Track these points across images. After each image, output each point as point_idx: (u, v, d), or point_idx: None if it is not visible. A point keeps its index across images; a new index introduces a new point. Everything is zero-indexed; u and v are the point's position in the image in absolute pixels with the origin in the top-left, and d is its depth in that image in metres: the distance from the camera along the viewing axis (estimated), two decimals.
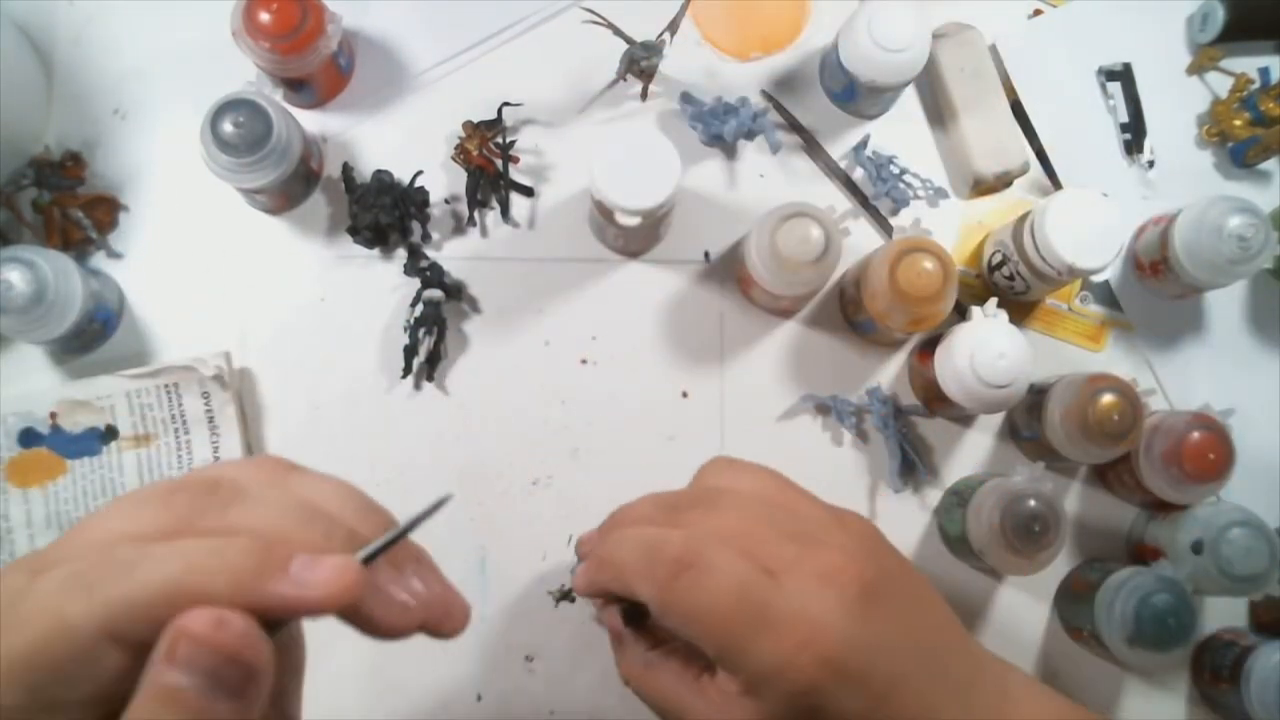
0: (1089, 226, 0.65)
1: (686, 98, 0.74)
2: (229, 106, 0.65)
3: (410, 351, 0.70)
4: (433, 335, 0.70)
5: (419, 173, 0.71)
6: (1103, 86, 0.76)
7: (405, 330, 0.70)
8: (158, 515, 0.31)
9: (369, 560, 0.32)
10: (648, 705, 0.45)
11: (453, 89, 0.74)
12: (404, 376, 0.71)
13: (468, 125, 0.72)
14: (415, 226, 0.72)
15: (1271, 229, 0.67)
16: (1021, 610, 0.71)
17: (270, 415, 0.70)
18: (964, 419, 0.73)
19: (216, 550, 0.29)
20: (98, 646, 0.28)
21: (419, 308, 0.70)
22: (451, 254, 0.72)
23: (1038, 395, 0.68)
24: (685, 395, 0.72)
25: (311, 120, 0.73)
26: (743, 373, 0.72)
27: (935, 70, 0.74)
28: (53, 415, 0.67)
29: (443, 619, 0.34)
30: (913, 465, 0.71)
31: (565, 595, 0.68)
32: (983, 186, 0.74)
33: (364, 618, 0.32)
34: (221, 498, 0.32)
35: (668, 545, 0.41)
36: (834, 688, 0.38)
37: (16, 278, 0.62)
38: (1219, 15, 0.73)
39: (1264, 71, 0.76)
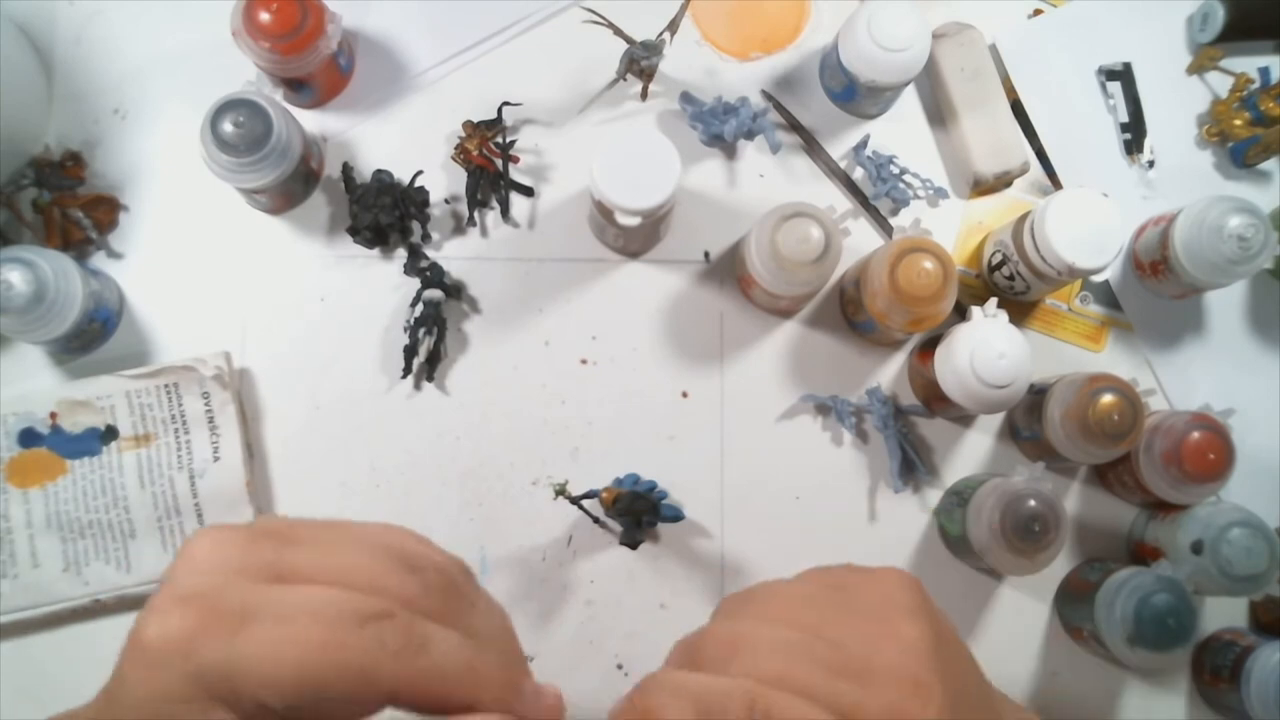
0: (1089, 226, 0.65)
1: (686, 98, 0.74)
2: (229, 106, 0.65)
3: (410, 351, 0.70)
4: (433, 335, 0.70)
5: (419, 173, 0.71)
6: (1103, 86, 0.76)
7: (405, 330, 0.70)
8: (410, 578, 0.33)
9: None
10: None
11: (453, 89, 0.74)
12: (404, 376, 0.71)
13: (468, 125, 0.72)
14: (415, 226, 0.72)
15: (1271, 229, 0.67)
16: (1021, 610, 0.71)
17: (270, 415, 0.70)
18: (964, 419, 0.73)
19: (485, 656, 0.33)
20: (378, 700, 0.30)
21: (419, 308, 0.70)
22: (451, 254, 0.72)
23: (1038, 395, 0.68)
24: (685, 395, 0.72)
25: (311, 120, 0.73)
26: (743, 373, 0.72)
27: (935, 70, 0.74)
28: (53, 415, 0.67)
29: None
30: (913, 465, 0.71)
31: (562, 492, 0.68)
32: (983, 186, 0.74)
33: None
34: (463, 602, 0.34)
35: (729, 699, 0.34)
36: None
37: (16, 278, 0.62)
38: (1219, 15, 0.73)
39: (1264, 71, 0.76)
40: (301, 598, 0.30)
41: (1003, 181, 0.74)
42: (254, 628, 0.29)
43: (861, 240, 0.73)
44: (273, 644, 0.29)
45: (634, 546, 0.68)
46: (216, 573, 0.31)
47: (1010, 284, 0.71)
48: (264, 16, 0.65)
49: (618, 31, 0.71)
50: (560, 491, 0.68)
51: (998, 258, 0.71)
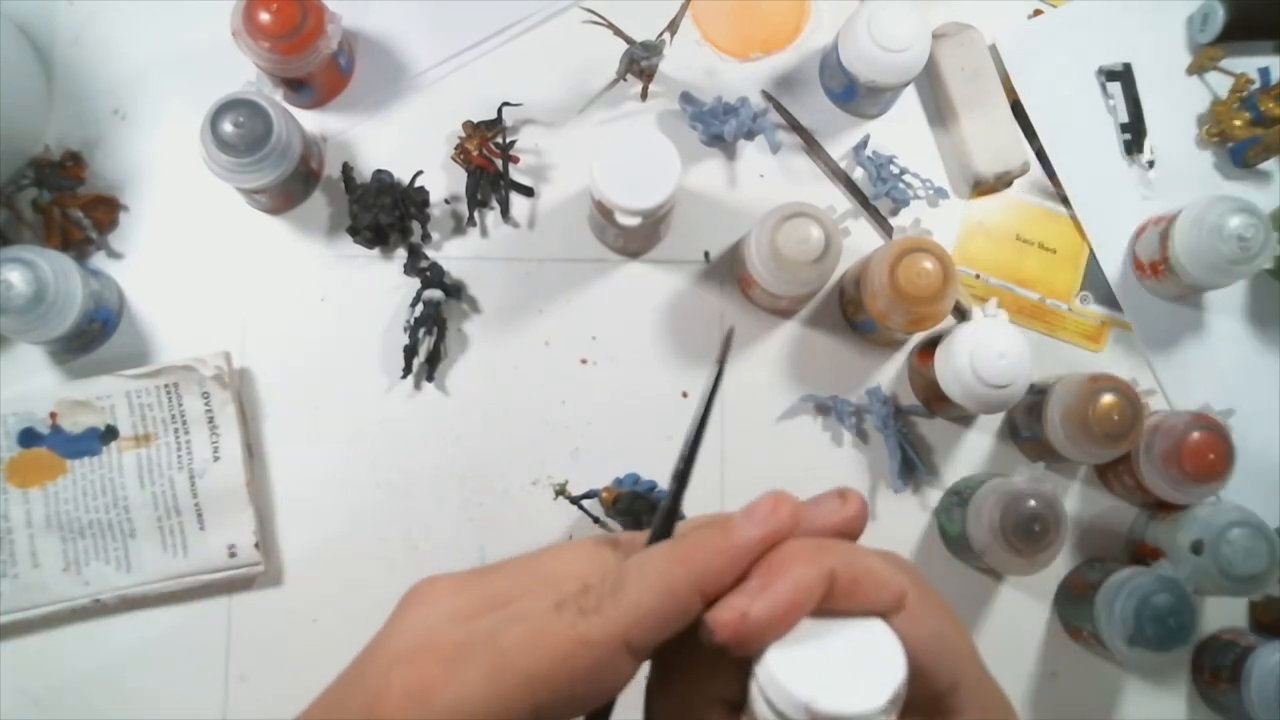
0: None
1: (686, 98, 0.74)
2: (229, 106, 0.65)
3: (410, 351, 0.70)
4: (433, 335, 0.70)
5: (419, 173, 0.71)
6: (1103, 86, 0.76)
7: (405, 330, 0.70)
8: (604, 561, 0.34)
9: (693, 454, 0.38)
10: None
11: (453, 89, 0.74)
12: (404, 376, 0.71)
13: (468, 125, 0.72)
14: (415, 226, 0.72)
15: (1271, 229, 0.67)
16: (1021, 610, 0.71)
17: (270, 415, 0.70)
18: (964, 419, 0.73)
19: (683, 538, 0.33)
20: (617, 657, 0.30)
21: (419, 308, 0.70)
22: (451, 254, 0.72)
23: (1038, 395, 0.68)
24: (685, 395, 0.72)
25: (311, 120, 0.73)
26: (743, 373, 0.72)
27: (935, 70, 0.74)
28: (53, 415, 0.67)
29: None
30: (913, 465, 0.71)
31: (562, 492, 0.68)
32: (983, 186, 0.74)
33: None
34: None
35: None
36: None
37: (16, 278, 0.62)
38: (1219, 15, 0.73)
39: (1264, 71, 0.76)
40: (503, 615, 0.31)
41: (1003, 181, 0.74)
42: (471, 658, 0.30)
43: (861, 240, 0.73)
44: (489, 664, 0.30)
45: None
46: (434, 620, 0.32)
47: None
48: (264, 16, 0.65)
49: (618, 31, 0.71)
50: (560, 491, 0.68)
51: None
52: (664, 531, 0.36)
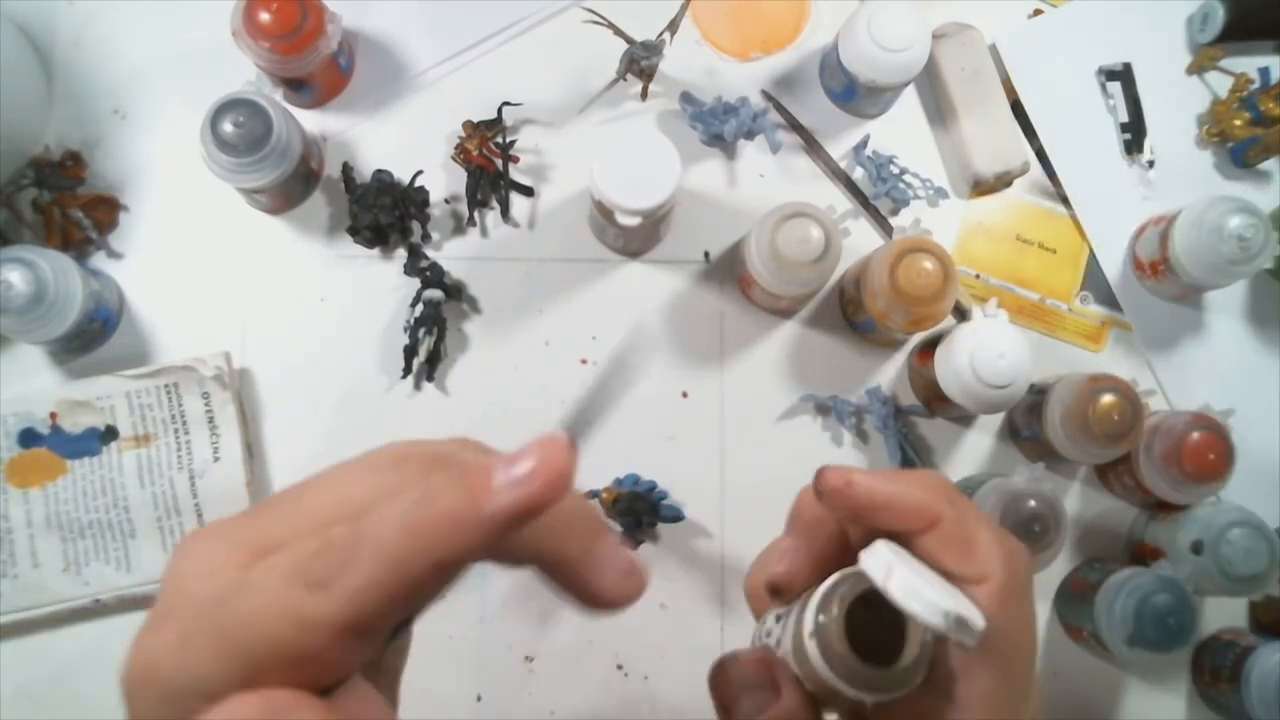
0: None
1: (686, 98, 0.74)
2: (229, 106, 0.65)
3: (410, 351, 0.70)
4: (433, 335, 0.70)
5: (419, 173, 0.71)
6: (1103, 86, 0.76)
7: (405, 330, 0.70)
8: (382, 482, 0.29)
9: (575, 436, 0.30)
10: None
11: (453, 89, 0.74)
12: (404, 376, 0.71)
13: (468, 125, 0.72)
14: (415, 226, 0.72)
15: (1271, 229, 0.67)
16: None
17: (270, 415, 0.70)
18: (964, 419, 0.73)
19: (424, 499, 0.27)
20: (342, 642, 0.26)
21: (419, 308, 0.70)
22: (451, 254, 0.72)
23: (1038, 395, 0.68)
24: (685, 395, 0.72)
25: (311, 120, 0.73)
26: (743, 373, 0.72)
27: (935, 70, 0.74)
28: (53, 415, 0.67)
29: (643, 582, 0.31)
30: (913, 465, 0.71)
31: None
32: (983, 186, 0.74)
33: (585, 584, 0.30)
34: (439, 464, 0.30)
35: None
36: None
37: (16, 278, 0.62)
38: (1219, 15, 0.73)
39: (1264, 71, 0.76)
40: (244, 577, 0.27)
41: (1003, 181, 0.74)
42: (201, 631, 0.27)
43: (861, 240, 0.73)
44: (214, 641, 0.26)
45: (634, 546, 0.68)
46: (188, 577, 0.28)
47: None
48: (264, 16, 0.65)
49: (618, 31, 0.71)
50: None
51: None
52: None
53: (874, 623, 0.31)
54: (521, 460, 0.28)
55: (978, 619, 0.31)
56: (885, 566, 0.31)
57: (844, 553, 0.35)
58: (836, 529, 0.36)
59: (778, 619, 0.36)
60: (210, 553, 0.28)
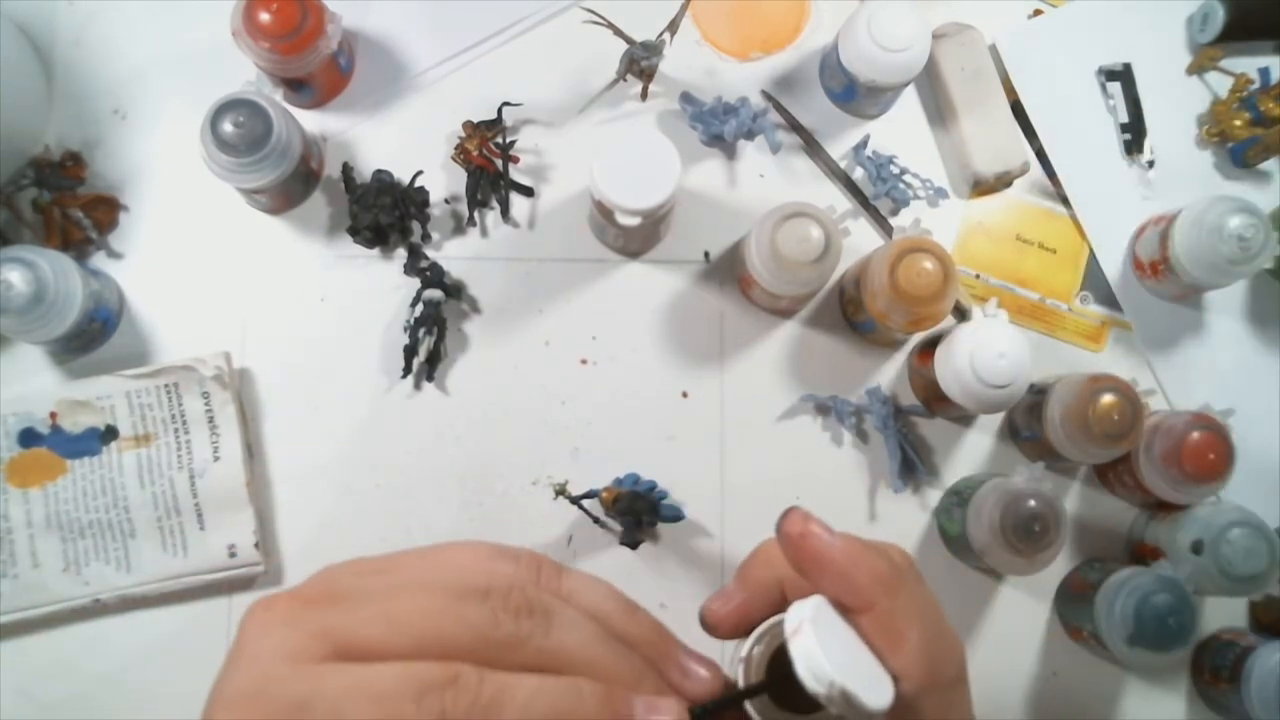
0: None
1: (686, 98, 0.74)
2: (229, 106, 0.65)
3: (410, 351, 0.70)
4: (433, 335, 0.70)
5: (419, 173, 0.71)
6: (1103, 86, 0.76)
7: (405, 330, 0.70)
8: (478, 613, 0.29)
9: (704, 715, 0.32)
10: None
11: (453, 89, 0.74)
12: (404, 376, 0.71)
13: (468, 125, 0.72)
14: (415, 226, 0.72)
15: (1271, 229, 0.67)
16: (1021, 610, 0.71)
17: (270, 415, 0.70)
18: (964, 419, 0.73)
19: (575, 692, 0.28)
20: None
21: (419, 308, 0.70)
22: (451, 254, 0.72)
23: (1038, 395, 0.68)
24: (685, 395, 0.72)
25: (311, 120, 0.73)
26: (743, 373, 0.72)
27: (935, 70, 0.74)
28: (53, 415, 0.67)
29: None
30: (913, 465, 0.71)
31: (562, 492, 0.68)
32: (983, 186, 0.74)
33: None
34: (538, 619, 0.30)
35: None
36: None
37: (16, 278, 0.62)
38: (1219, 15, 0.73)
39: (1264, 71, 0.76)
40: (352, 681, 0.27)
41: (1003, 181, 0.74)
42: None
43: (861, 240, 0.73)
44: None
45: (634, 546, 0.68)
46: (268, 660, 0.28)
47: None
48: (264, 16, 0.65)
49: (618, 32, 0.71)
50: (560, 491, 0.68)
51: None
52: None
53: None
54: (661, 712, 0.30)
55: (875, 699, 0.31)
56: (795, 623, 0.32)
57: (778, 609, 0.36)
58: (777, 592, 0.37)
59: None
60: (287, 639, 0.28)
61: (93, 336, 0.69)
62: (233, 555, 0.67)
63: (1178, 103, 0.76)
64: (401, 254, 0.72)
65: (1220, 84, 0.76)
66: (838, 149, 0.75)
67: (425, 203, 0.71)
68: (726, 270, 0.73)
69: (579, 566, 0.69)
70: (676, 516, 0.69)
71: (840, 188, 0.75)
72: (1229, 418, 0.67)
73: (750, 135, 0.74)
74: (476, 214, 0.73)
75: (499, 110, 0.72)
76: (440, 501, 0.70)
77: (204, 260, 0.72)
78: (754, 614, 0.37)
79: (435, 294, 0.70)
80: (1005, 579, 0.71)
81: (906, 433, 0.72)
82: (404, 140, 0.73)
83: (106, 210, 0.71)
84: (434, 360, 0.70)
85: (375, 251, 0.72)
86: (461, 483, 0.70)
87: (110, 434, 0.67)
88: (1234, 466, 0.66)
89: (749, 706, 0.33)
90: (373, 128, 0.74)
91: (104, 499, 0.67)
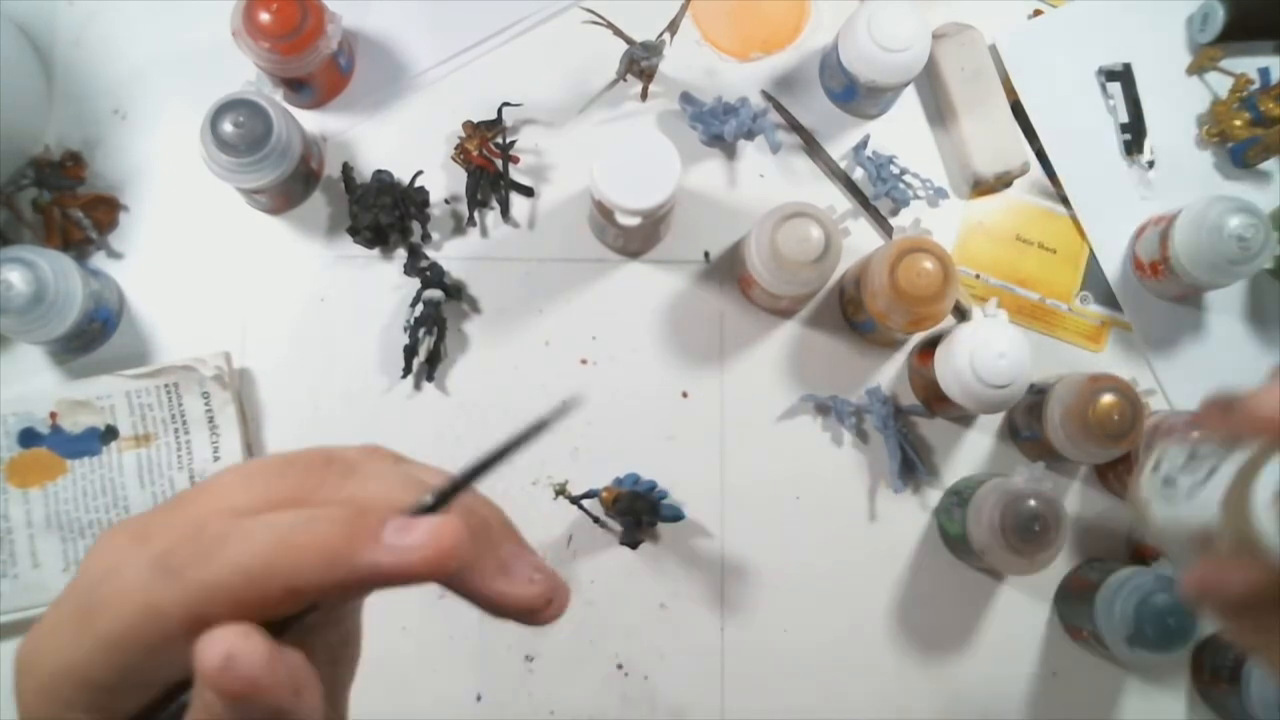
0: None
1: (686, 98, 0.74)
2: (229, 106, 0.65)
3: (410, 351, 0.70)
4: (433, 335, 0.70)
5: (419, 173, 0.71)
6: (1103, 86, 0.76)
7: (405, 330, 0.70)
8: (269, 487, 0.29)
9: (457, 489, 0.30)
10: None
11: (453, 89, 0.74)
12: (404, 376, 0.71)
13: (468, 125, 0.72)
14: (415, 226, 0.72)
15: (1271, 229, 0.67)
16: (1021, 610, 0.71)
17: (270, 415, 0.70)
18: (964, 419, 0.73)
19: (307, 522, 0.27)
20: (185, 633, 0.26)
21: (419, 308, 0.70)
22: (451, 254, 0.72)
23: (1038, 395, 0.68)
24: (685, 395, 0.72)
25: (311, 120, 0.73)
26: (743, 373, 0.72)
27: (935, 70, 0.74)
28: (53, 415, 0.67)
29: (560, 594, 0.31)
30: (913, 465, 0.71)
31: (562, 492, 0.68)
32: (983, 186, 0.74)
33: (477, 587, 0.29)
34: (337, 470, 0.30)
35: None
36: None
37: (16, 278, 0.62)
38: (1219, 15, 0.73)
39: (1264, 72, 0.76)
40: (111, 568, 0.27)
41: (1003, 181, 0.74)
42: (72, 619, 0.27)
43: (861, 240, 0.73)
44: (77, 627, 0.27)
45: (634, 546, 0.68)
46: (84, 569, 0.28)
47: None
48: (264, 16, 0.65)
49: (618, 32, 0.71)
50: (560, 491, 0.68)
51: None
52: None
53: None
54: (415, 531, 0.27)
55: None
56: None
57: None
58: None
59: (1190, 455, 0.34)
60: (110, 544, 0.28)
61: (93, 336, 0.69)
62: None
63: (1178, 103, 0.76)
64: (401, 254, 0.72)
65: (1220, 84, 0.76)
66: (838, 149, 0.75)
67: (425, 203, 0.71)
68: (726, 270, 0.73)
69: (579, 566, 0.69)
70: (676, 516, 0.69)
71: (840, 188, 0.75)
72: None
73: (750, 135, 0.74)
74: (476, 214, 0.73)
75: (499, 110, 0.72)
76: None
77: (204, 260, 0.72)
78: None
79: (435, 294, 0.70)
80: (1005, 579, 0.71)
81: (906, 433, 0.72)
82: (404, 140, 0.73)
83: (106, 210, 0.71)
84: (434, 360, 0.70)
85: (375, 251, 0.72)
86: None
87: (110, 434, 0.67)
88: None
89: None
90: (373, 128, 0.74)
91: (104, 499, 0.67)
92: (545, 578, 0.31)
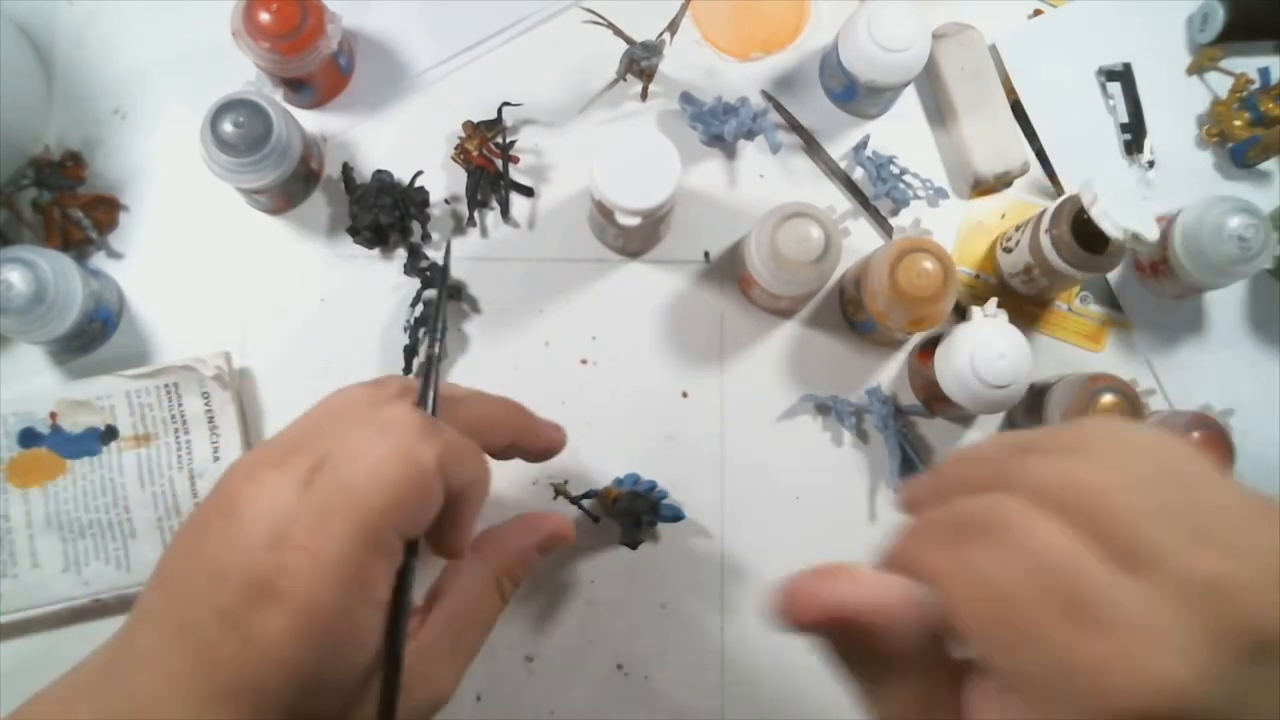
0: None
1: (686, 98, 0.74)
2: (229, 106, 0.65)
3: (410, 351, 0.70)
4: None
5: (419, 173, 0.71)
6: (1103, 86, 0.76)
7: (405, 330, 0.70)
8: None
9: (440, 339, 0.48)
10: None
11: (453, 89, 0.74)
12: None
13: (468, 125, 0.72)
14: (415, 226, 0.72)
15: (1271, 229, 0.67)
16: None
17: (270, 415, 0.70)
18: (964, 419, 0.73)
19: (501, 404, 0.49)
20: (436, 482, 0.37)
21: (419, 308, 0.70)
22: (451, 254, 0.72)
23: (1038, 395, 0.68)
24: (685, 395, 0.72)
25: (311, 120, 0.73)
26: (743, 373, 0.72)
27: (935, 70, 0.74)
28: (53, 415, 0.67)
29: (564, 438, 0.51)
30: (913, 465, 0.71)
31: (562, 491, 0.69)
32: (983, 186, 0.74)
33: (549, 449, 0.51)
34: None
35: (970, 507, 0.29)
36: None
37: (16, 278, 0.62)
38: (1219, 15, 0.73)
39: (1264, 71, 0.76)
40: (333, 461, 0.36)
41: (1003, 181, 0.74)
42: (332, 513, 0.35)
43: (861, 240, 0.73)
44: (344, 513, 0.35)
45: (634, 546, 0.68)
46: (279, 502, 0.36)
47: (1028, 287, 0.71)
48: (264, 16, 0.65)
49: (618, 32, 0.71)
50: (560, 491, 0.68)
51: (1017, 266, 0.71)
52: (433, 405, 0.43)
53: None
54: (549, 427, 0.52)
55: (1151, 234, 0.60)
56: (1091, 196, 0.59)
57: None
58: None
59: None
60: (280, 480, 0.36)
61: (93, 336, 0.69)
62: None
63: (1178, 103, 0.76)
64: (401, 254, 0.72)
65: (1220, 84, 0.76)
66: (838, 149, 0.75)
67: (425, 203, 0.71)
68: (726, 270, 0.73)
69: (579, 566, 0.69)
70: (676, 516, 0.69)
71: (840, 188, 0.75)
72: (1229, 418, 0.67)
73: (750, 135, 0.74)
74: (476, 214, 0.73)
75: (499, 110, 0.73)
76: None
77: (204, 260, 0.72)
78: None
79: (435, 294, 0.70)
80: None
81: (906, 433, 0.72)
82: (404, 140, 0.73)
83: (106, 210, 0.71)
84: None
85: (375, 251, 0.72)
86: None
87: (110, 434, 0.67)
88: (1234, 466, 0.66)
89: (1058, 259, 0.53)
90: (373, 128, 0.74)
91: (104, 499, 0.67)
92: (559, 427, 0.51)
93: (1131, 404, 0.65)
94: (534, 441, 0.49)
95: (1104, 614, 0.25)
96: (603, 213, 0.66)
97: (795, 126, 0.75)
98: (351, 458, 0.35)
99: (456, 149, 0.72)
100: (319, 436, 0.37)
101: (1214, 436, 0.65)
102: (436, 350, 0.46)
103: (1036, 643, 0.26)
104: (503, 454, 0.48)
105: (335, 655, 0.34)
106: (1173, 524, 0.27)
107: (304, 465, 0.35)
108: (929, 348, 0.69)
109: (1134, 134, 0.75)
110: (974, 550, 0.28)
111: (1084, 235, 0.64)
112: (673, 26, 0.72)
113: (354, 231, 0.71)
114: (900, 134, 0.75)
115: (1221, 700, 0.25)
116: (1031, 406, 0.69)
